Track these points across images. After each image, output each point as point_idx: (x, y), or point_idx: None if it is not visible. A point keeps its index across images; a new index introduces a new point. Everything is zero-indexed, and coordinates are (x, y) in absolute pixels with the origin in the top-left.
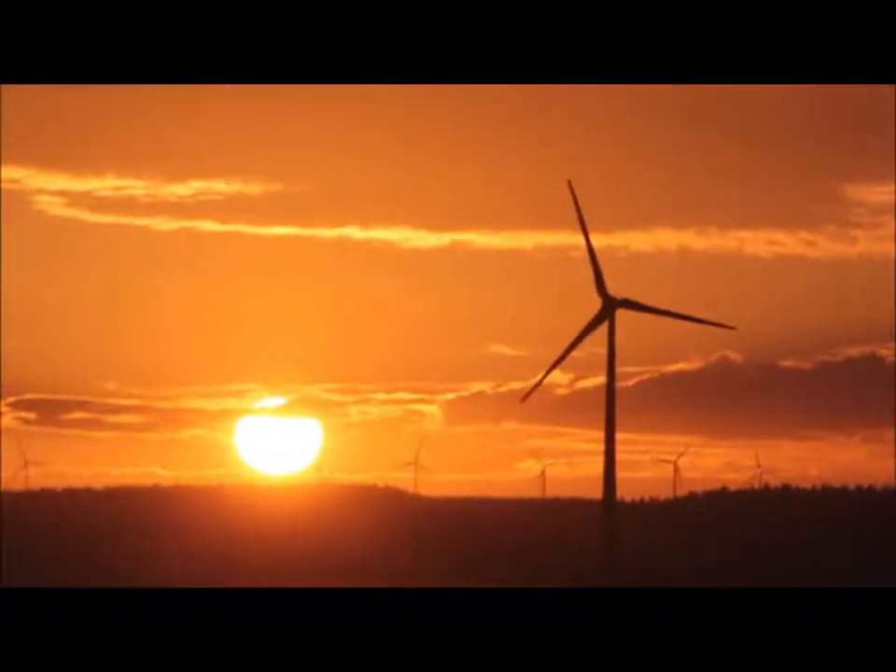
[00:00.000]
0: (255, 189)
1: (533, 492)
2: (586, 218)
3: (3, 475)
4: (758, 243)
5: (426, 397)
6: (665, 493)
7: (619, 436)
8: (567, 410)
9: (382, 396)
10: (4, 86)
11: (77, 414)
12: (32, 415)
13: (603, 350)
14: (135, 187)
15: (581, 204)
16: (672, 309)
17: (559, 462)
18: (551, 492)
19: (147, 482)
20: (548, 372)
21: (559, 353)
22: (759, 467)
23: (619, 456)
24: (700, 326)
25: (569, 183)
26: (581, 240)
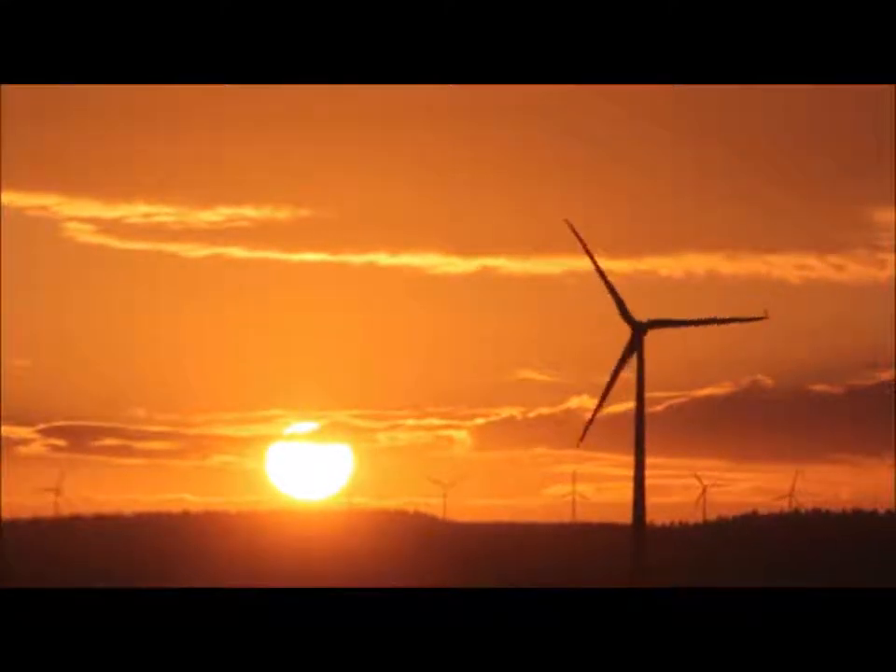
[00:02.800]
0: (284, 215)
1: (563, 517)
2: (610, 245)
3: (33, 503)
4: (787, 267)
5: (455, 422)
6: (694, 517)
7: (648, 461)
8: (596, 435)
9: (411, 422)
10: (30, 113)
11: (107, 441)
12: (61, 442)
13: (632, 375)
14: (165, 213)
15: (585, 235)
16: (700, 335)
17: (589, 487)
18: (580, 517)
19: (177, 508)
20: (598, 410)
21: (586, 378)
22: (792, 492)
23: (648, 481)
24: (731, 347)
25: (567, 223)
26: (609, 265)
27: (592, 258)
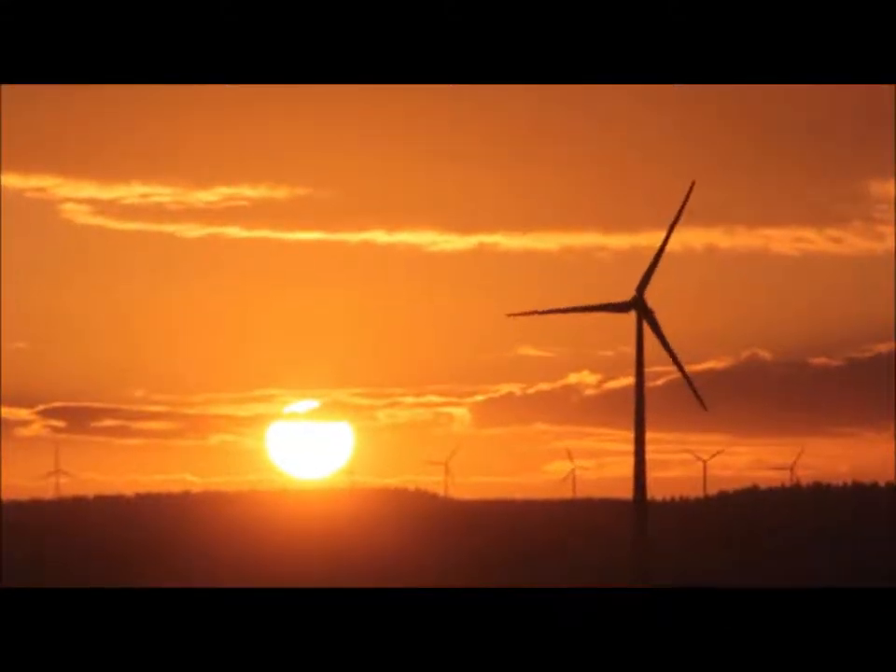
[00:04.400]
0: (281, 194)
1: (563, 493)
2: (607, 220)
3: (33, 484)
4: (785, 240)
5: (455, 399)
6: (695, 492)
7: (648, 435)
8: (596, 411)
9: (411, 399)
10: (27, 95)
11: (107, 422)
12: (61, 423)
13: (632, 350)
14: (162, 194)
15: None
16: (698, 310)
17: (589, 463)
18: (581, 493)
19: (178, 488)
20: (545, 312)
21: (586, 354)
22: (793, 466)
23: (648, 456)
24: (730, 321)
25: (692, 183)
26: (607, 241)
27: (671, 228)
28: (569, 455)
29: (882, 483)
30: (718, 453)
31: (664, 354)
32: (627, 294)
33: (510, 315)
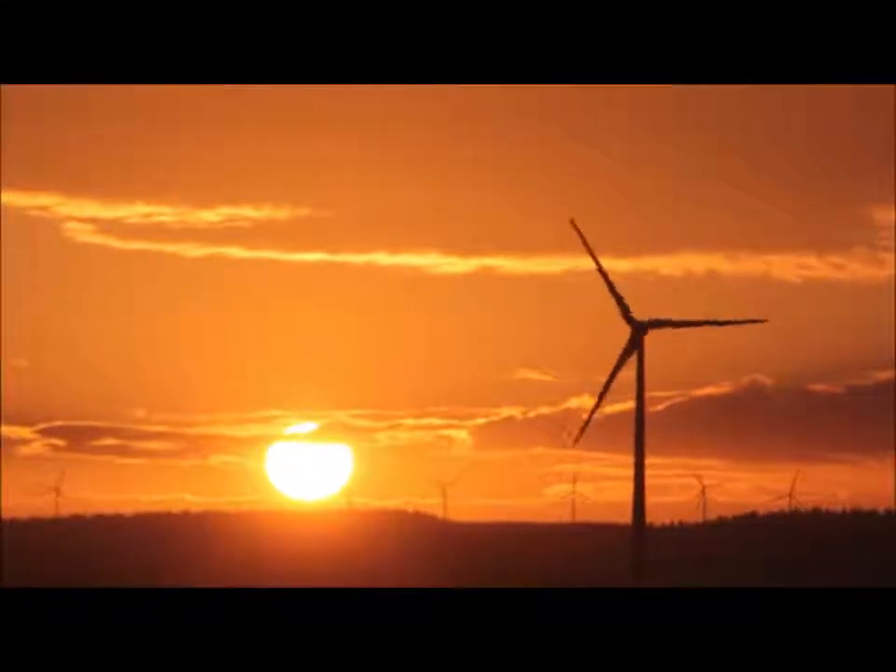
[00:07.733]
0: (283, 214)
1: (562, 517)
2: (610, 245)
3: (34, 502)
4: (787, 266)
5: (455, 422)
6: (694, 517)
7: (648, 460)
8: (596, 435)
9: (412, 421)
10: (30, 113)
11: (107, 441)
12: (62, 442)
13: (632, 374)
14: (164, 213)
15: (586, 235)
16: (699, 334)
17: (588, 487)
18: (580, 517)
19: (177, 508)
20: (594, 410)
21: (587, 378)
22: (792, 492)
23: (648, 481)
24: (730, 347)
25: (572, 222)
26: (608, 264)
27: (594, 257)
28: (573, 479)
29: (881, 510)
30: (717, 478)
31: (665, 378)
32: (624, 319)
33: (575, 443)
